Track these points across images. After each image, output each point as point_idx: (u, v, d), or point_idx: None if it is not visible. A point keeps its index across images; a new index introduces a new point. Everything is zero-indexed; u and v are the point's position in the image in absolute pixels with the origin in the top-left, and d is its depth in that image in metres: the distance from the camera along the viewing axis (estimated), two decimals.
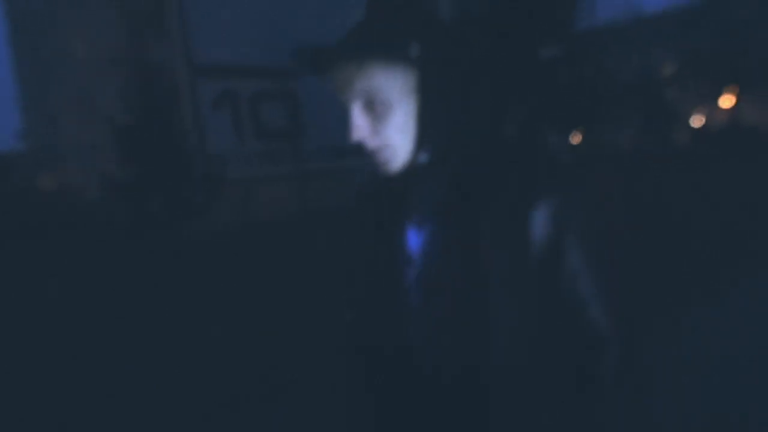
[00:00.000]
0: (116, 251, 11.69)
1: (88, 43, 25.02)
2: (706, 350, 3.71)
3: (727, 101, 31.26)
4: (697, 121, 32.18)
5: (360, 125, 0.92)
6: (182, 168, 12.01)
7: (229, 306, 6.14)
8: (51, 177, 33.71)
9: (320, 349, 4.02)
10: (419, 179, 0.91)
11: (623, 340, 0.89)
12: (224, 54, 16.13)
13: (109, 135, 20.48)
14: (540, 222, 0.87)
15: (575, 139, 16.47)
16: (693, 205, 9.56)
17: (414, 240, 0.92)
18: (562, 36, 14.49)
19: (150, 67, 17.95)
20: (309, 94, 16.85)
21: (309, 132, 16.68)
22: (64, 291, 8.30)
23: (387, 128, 0.92)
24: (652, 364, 0.95)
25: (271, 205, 14.42)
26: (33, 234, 15.72)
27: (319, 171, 16.43)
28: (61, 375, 4.42)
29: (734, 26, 28.87)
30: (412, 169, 0.92)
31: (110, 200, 19.07)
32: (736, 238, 6.92)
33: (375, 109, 0.92)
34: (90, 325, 6.02)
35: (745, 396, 3.05)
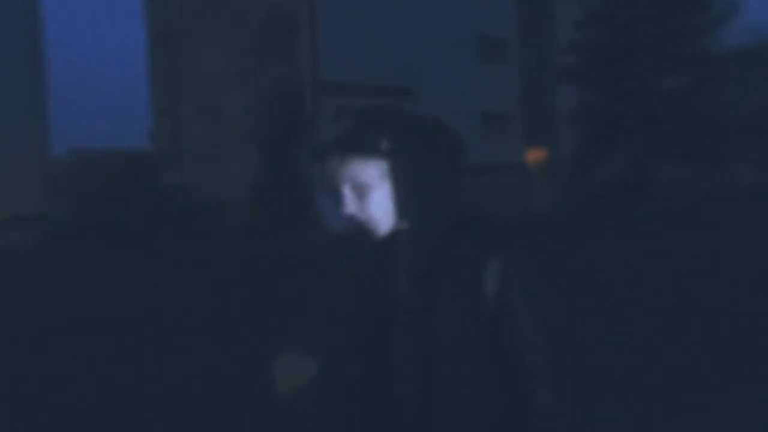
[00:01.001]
0: (233, 248, 12.80)
1: (219, 59, 27.43)
2: None
3: None
4: None
5: (349, 203, 1.14)
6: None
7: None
8: (174, 175, 36.91)
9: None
10: (400, 243, 1.12)
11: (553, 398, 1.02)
12: (344, 72, 17.27)
13: (233, 142, 22.25)
14: (488, 281, 1.06)
15: (690, 170, 15.92)
16: None
17: (399, 293, 1.12)
18: (682, 64, 14.17)
19: (276, 82, 19.51)
20: (421, 112, 17.61)
21: None
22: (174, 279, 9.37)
23: (369, 205, 1.12)
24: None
25: None
26: (158, 225, 17.10)
27: None
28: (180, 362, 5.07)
29: None
30: (395, 235, 1.14)
31: (230, 202, 20.75)
32: None
33: (358, 190, 1.13)
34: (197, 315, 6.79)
35: None
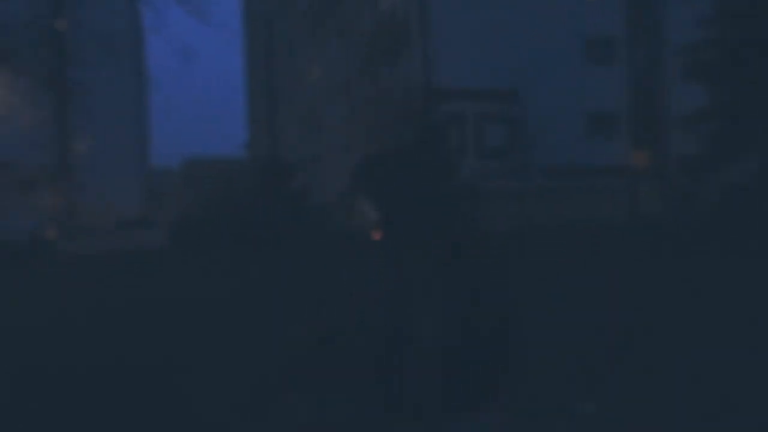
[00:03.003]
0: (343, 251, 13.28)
1: (321, 70, 28.69)
2: None
3: None
4: None
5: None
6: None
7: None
8: (272, 182, 38.47)
9: None
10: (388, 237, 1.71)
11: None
12: (453, 77, 17.69)
13: (333, 151, 22.98)
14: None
15: None
16: None
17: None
18: None
19: (385, 90, 20.20)
20: (533, 117, 17.76)
21: (531, 152, 17.48)
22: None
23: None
24: None
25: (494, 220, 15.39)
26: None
27: (541, 188, 17.14)
28: None
29: None
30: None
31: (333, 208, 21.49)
32: None
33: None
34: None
35: None
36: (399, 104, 18.23)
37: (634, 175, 22.17)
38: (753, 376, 3.84)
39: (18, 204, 37.32)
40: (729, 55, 13.48)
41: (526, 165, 17.87)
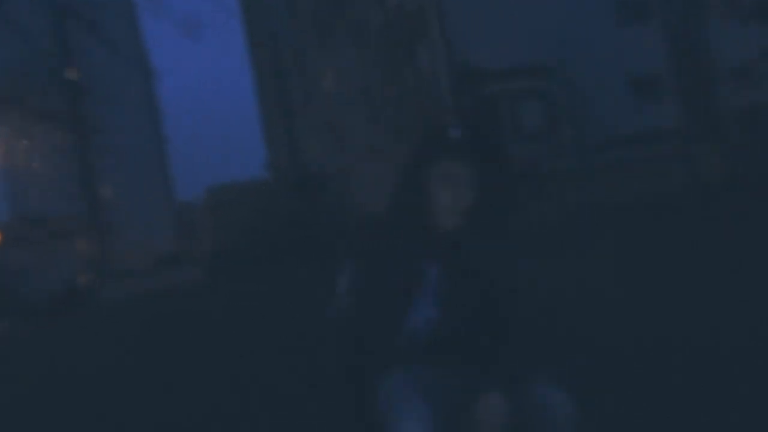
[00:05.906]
0: None
1: (337, 79, 27.69)
2: None
3: None
4: None
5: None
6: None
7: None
8: (294, 200, 37.76)
9: None
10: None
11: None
12: (479, 60, 16.38)
13: (356, 160, 21.95)
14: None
15: None
16: None
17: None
18: None
19: (407, 84, 19.03)
20: (571, 90, 16.32)
21: (573, 128, 16.09)
22: None
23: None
24: None
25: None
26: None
27: (589, 167, 15.71)
28: None
29: None
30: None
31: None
32: None
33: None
34: None
35: None
36: (424, 98, 17.03)
37: (687, 137, 20.49)
38: None
39: (54, 254, 37.42)
40: None
41: (569, 142, 16.44)
